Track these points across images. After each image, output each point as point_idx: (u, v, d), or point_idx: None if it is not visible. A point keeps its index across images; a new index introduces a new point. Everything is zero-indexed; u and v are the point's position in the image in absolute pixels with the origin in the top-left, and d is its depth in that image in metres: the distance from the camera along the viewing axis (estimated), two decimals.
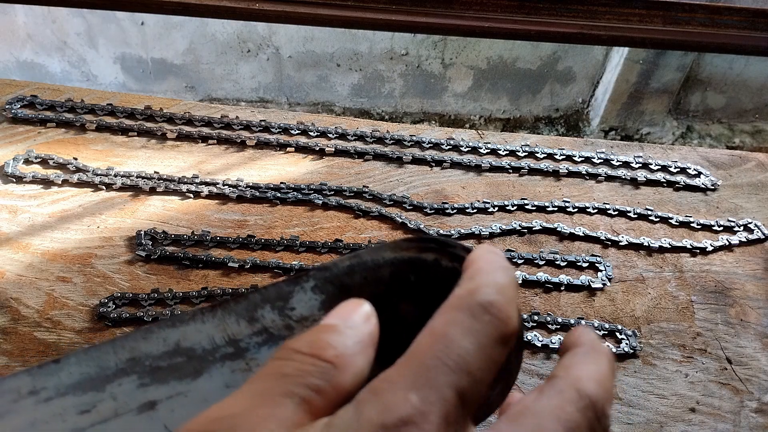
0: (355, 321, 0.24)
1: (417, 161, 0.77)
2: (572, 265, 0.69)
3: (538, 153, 0.79)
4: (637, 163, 0.80)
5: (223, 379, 0.27)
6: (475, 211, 0.73)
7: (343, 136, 0.79)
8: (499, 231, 0.71)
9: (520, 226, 0.71)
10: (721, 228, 0.74)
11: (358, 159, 0.77)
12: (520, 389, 0.59)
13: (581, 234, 0.71)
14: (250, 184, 0.72)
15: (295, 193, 0.72)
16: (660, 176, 0.78)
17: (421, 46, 1.90)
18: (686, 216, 0.74)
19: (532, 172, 0.78)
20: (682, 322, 0.65)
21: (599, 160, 0.79)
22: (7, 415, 0.25)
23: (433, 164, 0.77)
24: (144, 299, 0.61)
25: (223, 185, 0.71)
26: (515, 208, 0.73)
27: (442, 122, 2.10)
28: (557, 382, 0.22)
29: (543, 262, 0.68)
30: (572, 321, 0.63)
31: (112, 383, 0.26)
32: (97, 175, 0.71)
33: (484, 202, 0.73)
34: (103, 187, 0.71)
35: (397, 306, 0.28)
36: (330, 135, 0.79)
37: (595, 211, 0.74)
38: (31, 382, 0.26)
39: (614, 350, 0.62)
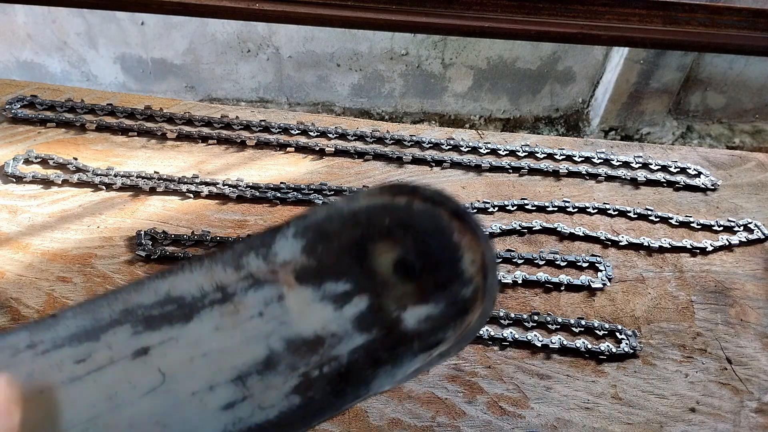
0: None
1: (417, 161, 0.77)
2: (572, 265, 0.69)
3: (538, 153, 0.79)
4: (637, 163, 0.80)
5: (213, 323, 0.28)
6: (475, 211, 0.73)
7: (343, 136, 0.79)
8: (499, 231, 0.71)
9: (520, 226, 0.71)
10: (721, 228, 0.74)
11: (358, 159, 0.77)
12: (521, 389, 0.59)
13: (581, 234, 0.71)
14: (250, 184, 0.72)
15: (295, 193, 0.72)
16: (660, 176, 0.78)
17: (421, 46, 1.90)
18: (686, 216, 0.74)
19: (532, 172, 0.78)
20: (682, 322, 0.65)
21: (599, 160, 0.79)
22: (6, 369, 0.26)
23: (433, 164, 0.77)
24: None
25: (223, 185, 0.71)
26: (515, 208, 0.73)
27: (442, 122, 2.10)
28: None
29: (543, 262, 0.68)
30: (572, 321, 0.63)
31: (107, 333, 0.28)
32: (97, 175, 0.71)
33: (484, 202, 0.73)
34: (103, 187, 0.71)
35: (373, 244, 0.30)
36: (330, 135, 0.79)
37: (595, 211, 0.74)
38: (29, 337, 0.27)
39: (614, 350, 0.62)
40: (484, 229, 0.31)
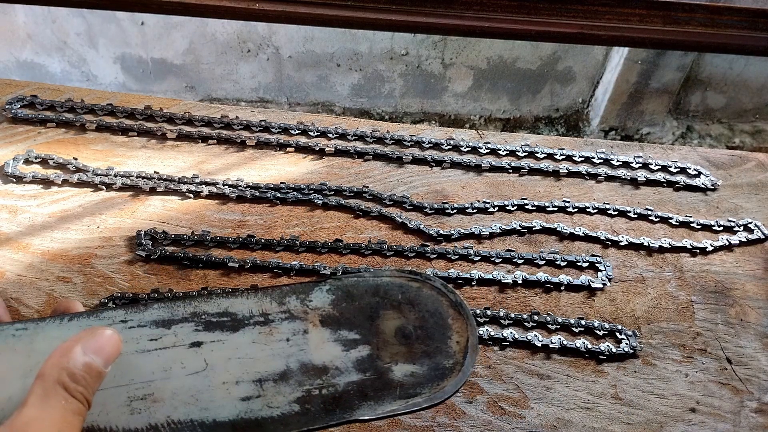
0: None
1: (417, 161, 0.77)
2: (572, 265, 0.69)
3: (538, 153, 0.79)
4: (637, 163, 0.80)
5: (252, 337, 0.38)
6: (475, 211, 0.73)
7: (343, 136, 0.79)
8: (499, 231, 0.71)
9: (520, 226, 0.71)
10: (721, 228, 0.74)
11: (358, 159, 0.77)
12: (521, 389, 0.59)
13: (581, 234, 0.71)
14: (250, 184, 0.72)
15: (295, 193, 0.72)
16: (660, 176, 0.78)
17: (421, 46, 1.90)
18: (686, 216, 0.74)
19: (532, 172, 0.78)
20: (682, 322, 0.65)
21: (599, 160, 0.79)
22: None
23: (433, 164, 0.77)
24: (144, 299, 0.61)
25: (223, 185, 0.71)
26: (515, 208, 0.73)
27: (442, 122, 2.10)
28: None
29: (543, 262, 0.68)
30: (572, 321, 0.63)
31: (177, 325, 0.38)
32: (97, 175, 0.71)
33: (484, 202, 0.73)
34: (103, 187, 0.71)
35: (384, 311, 0.40)
36: (330, 135, 0.79)
37: (595, 211, 0.74)
38: (124, 315, 0.38)
39: (614, 350, 0.62)
40: (475, 321, 0.42)
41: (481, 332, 0.62)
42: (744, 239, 0.73)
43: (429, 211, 0.72)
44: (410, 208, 0.72)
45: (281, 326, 0.39)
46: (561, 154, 0.79)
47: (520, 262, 0.68)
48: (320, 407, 0.38)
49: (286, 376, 0.38)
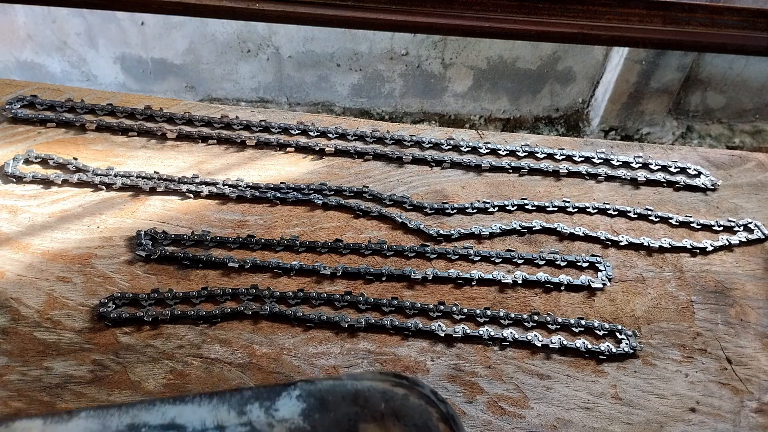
0: None
1: (417, 161, 0.77)
2: (572, 265, 0.69)
3: (538, 153, 0.79)
4: (637, 163, 0.80)
5: None
6: (475, 211, 0.73)
7: (343, 136, 0.79)
8: (499, 231, 0.71)
9: (520, 226, 0.71)
10: (721, 228, 0.74)
11: (358, 159, 0.77)
12: (521, 389, 0.59)
13: (581, 234, 0.71)
14: (250, 184, 0.72)
15: (295, 193, 0.72)
16: (660, 176, 0.78)
17: (421, 46, 1.90)
18: (686, 216, 0.74)
19: (532, 172, 0.78)
20: (682, 322, 0.65)
21: (599, 160, 0.79)
22: None
23: (433, 164, 0.77)
24: (144, 299, 0.61)
25: (223, 185, 0.71)
26: (515, 208, 0.73)
27: (442, 122, 2.10)
28: None
29: (543, 262, 0.68)
30: (572, 321, 0.63)
31: None
32: (97, 175, 0.71)
33: (484, 202, 0.73)
34: (103, 187, 0.71)
35: (364, 424, 0.32)
36: (330, 135, 0.79)
37: (595, 211, 0.74)
38: (41, 427, 0.29)
39: (614, 350, 0.62)
40: None
41: (481, 332, 0.62)
42: (744, 239, 0.73)
43: (429, 211, 0.72)
44: (410, 208, 0.72)
45: None
46: (561, 154, 0.79)
47: (520, 262, 0.68)
48: None
49: None
